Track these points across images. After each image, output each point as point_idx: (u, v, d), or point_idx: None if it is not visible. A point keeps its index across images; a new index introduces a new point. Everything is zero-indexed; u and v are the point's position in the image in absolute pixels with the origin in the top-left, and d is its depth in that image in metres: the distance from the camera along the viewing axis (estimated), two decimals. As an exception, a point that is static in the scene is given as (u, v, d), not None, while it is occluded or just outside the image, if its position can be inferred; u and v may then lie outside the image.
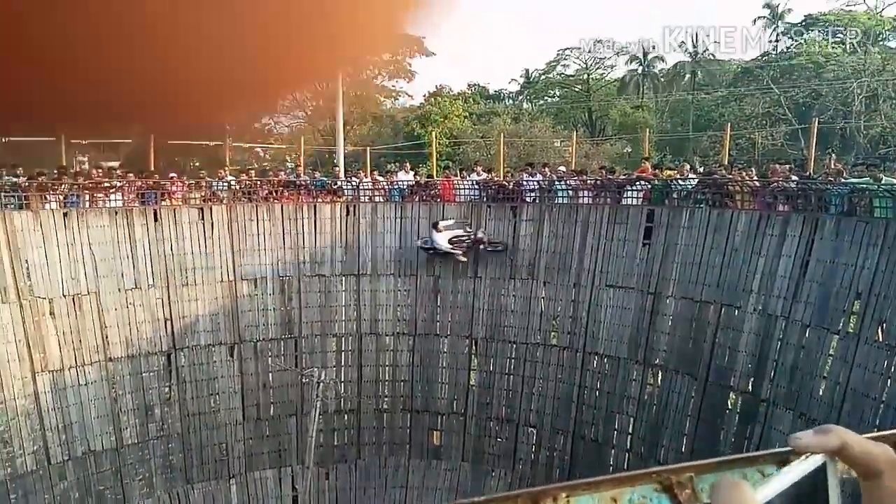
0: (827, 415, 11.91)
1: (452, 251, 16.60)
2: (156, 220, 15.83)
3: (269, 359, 16.94)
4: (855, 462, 0.54)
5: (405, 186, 18.61)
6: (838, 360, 11.96)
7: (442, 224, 16.82)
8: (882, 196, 12.15)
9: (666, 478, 0.61)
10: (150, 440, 15.46)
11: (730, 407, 14.00)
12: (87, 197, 15.70)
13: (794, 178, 14.90)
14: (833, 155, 21.73)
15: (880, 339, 11.34)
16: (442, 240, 16.57)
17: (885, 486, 0.54)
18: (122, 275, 15.27)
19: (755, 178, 15.64)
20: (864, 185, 12.57)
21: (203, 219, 16.54)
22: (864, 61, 31.02)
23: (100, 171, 18.28)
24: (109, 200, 15.85)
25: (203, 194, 17.32)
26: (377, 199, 18.39)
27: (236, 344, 16.61)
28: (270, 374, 16.87)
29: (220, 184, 17.62)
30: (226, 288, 16.58)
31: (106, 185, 16.40)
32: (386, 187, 18.68)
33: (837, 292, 12.15)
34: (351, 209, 17.91)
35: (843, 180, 13.49)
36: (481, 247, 16.78)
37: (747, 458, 0.65)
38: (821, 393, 12.28)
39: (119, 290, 15.19)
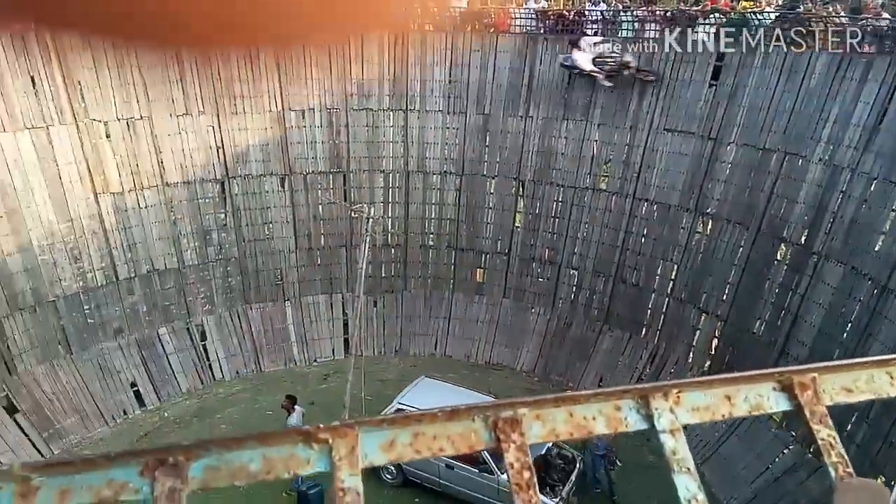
0: (880, 271, 11.73)
1: (595, 72, 15.17)
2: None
3: (319, 192, 17.19)
4: None
5: (457, 13, 17.54)
6: (903, 215, 11.53)
7: (584, 41, 15.29)
8: None
9: (787, 377, 0.53)
10: (210, 262, 16.28)
11: (778, 258, 13.87)
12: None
13: (887, 16, 13.50)
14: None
15: (954, 195, 10.81)
16: (583, 59, 15.07)
17: None
18: (173, 100, 15.23)
19: (842, 14, 14.20)
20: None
21: (249, 44, 16.04)
22: None
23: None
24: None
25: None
26: (427, 26, 17.44)
27: (287, 175, 16.81)
28: (320, 207, 17.21)
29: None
30: (273, 118, 16.48)
31: None
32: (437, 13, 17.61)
33: (916, 144, 11.43)
34: (399, 38, 17.10)
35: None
36: (626, 72, 15.14)
37: (878, 360, 0.57)
38: (877, 248, 11.99)
39: (171, 115, 15.24)
